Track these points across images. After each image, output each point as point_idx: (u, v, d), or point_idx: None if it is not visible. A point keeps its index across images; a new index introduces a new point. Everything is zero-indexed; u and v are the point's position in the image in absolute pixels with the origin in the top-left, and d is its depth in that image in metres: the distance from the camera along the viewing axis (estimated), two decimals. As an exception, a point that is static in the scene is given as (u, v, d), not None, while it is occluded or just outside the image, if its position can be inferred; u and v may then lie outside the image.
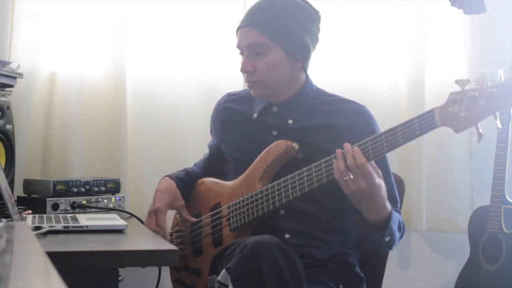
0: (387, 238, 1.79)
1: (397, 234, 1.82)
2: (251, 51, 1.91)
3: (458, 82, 1.62)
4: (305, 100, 1.96)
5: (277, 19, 1.89)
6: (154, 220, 1.99)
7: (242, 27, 1.94)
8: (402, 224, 1.87)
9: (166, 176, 2.09)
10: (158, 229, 1.97)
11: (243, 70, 1.93)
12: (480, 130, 1.58)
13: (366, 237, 1.84)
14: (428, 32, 2.94)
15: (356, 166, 1.69)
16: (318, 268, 1.87)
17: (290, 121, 1.94)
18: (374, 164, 1.73)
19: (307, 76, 1.99)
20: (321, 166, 1.77)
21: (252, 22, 1.91)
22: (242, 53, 1.95)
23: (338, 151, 1.73)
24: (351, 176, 1.70)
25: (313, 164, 1.78)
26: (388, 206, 1.77)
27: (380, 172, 1.73)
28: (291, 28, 1.90)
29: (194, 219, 2.05)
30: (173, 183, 2.05)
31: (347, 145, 1.72)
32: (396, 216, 1.81)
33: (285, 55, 1.90)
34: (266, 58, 1.90)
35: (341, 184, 1.72)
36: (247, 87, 2.03)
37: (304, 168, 1.79)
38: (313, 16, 1.94)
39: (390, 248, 1.86)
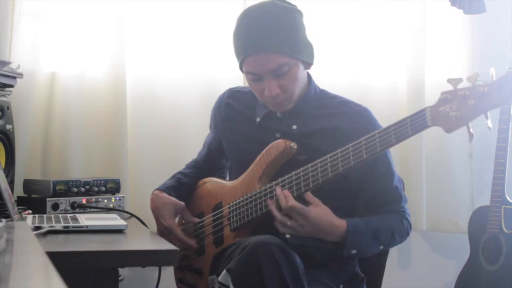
0: (353, 251, 1.82)
1: (368, 245, 1.83)
2: (273, 74, 1.83)
3: (450, 81, 1.61)
4: (309, 104, 1.94)
5: (285, 33, 1.82)
6: (174, 238, 2.00)
7: (257, 54, 1.82)
8: (388, 231, 1.87)
9: (155, 190, 2.09)
10: (186, 241, 2.01)
11: (272, 94, 1.83)
12: (471, 130, 1.57)
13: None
14: (428, 32, 2.94)
15: (288, 208, 1.74)
16: (318, 268, 1.87)
17: (294, 127, 1.93)
18: (308, 194, 1.77)
19: (310, 78, 1.98)
20: (317, 166, 1.77)
21: (267, 46, 1.81)
22: (256, 79, 1.85)
23: (270, 202, 1.79)
24: (291, 220, 1.75)
25: (309, 164, 1.78)
26: (341, 225, 1.79)
27: (316, 200, 1.77)
28: (297, 36, 1.86)
29: (197, 220, 2.06)
30: (164, 194, 2.05)
31: (277, 189, 1.79)
32: (363, 229, 1.81)
33: (301, 64, 1.87)
34: (289, 75, 1.84)
35: (289, 231, 1.78)
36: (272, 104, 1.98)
37: (301, 168, 1.79)
38: (299, 12, 1.90)
39: (367, 255, 1.88)
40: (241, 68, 1.91)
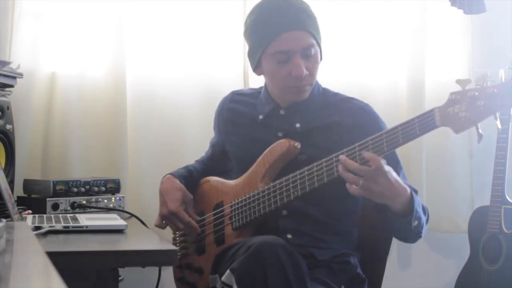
0: (415, 223, 1.76)
1: (424, 218, 1.80)
2: (302, 54, 1.85)
3: (458, 81, 1.62)
4: (313, 101, 1.95)
5: (311, 17, 1.88)
6: (178, 221, 1.98)
7: (292, 31, 1.84)
8: (426, 208, 1.85)
9: (168, 174, 2.08)
10: (192, 224, 1.98)
11: (301, 73, 1.83)
12: (480, 131, 1.57)
13: (395, 226, 1.81)
14: (428, 32, 2.94)
15: (360, 166, 1.67)
16: (320, 269, 1.86)
17: (297, 125, 1.93)
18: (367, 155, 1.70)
19: None
20: (322, 165, 1.77)
21: (301, 24, 1.84)
22: (284, 59, 1.85)
23: (341, 170, 1.70)
24: (363, 179, 1.67)
25: (314, 164, 1.78)
26: (407, 187, 1.74)
27: (384, 160, 1.69)
28: (317, 24, 1.91)
29: (198, 218, 2.05)
30: (177, 181, 2.04)
31: (342, 157, 1.71)
32: (418, 199, 1.78)
33: (320, 52, 1.91)
34: (313, 58, 1.87)
35: (363, 193, 1.69)
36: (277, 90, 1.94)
37: (306, 168, 1.79)
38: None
39: (419, 234, 1.82)
40: (259, 59, 1.90)
